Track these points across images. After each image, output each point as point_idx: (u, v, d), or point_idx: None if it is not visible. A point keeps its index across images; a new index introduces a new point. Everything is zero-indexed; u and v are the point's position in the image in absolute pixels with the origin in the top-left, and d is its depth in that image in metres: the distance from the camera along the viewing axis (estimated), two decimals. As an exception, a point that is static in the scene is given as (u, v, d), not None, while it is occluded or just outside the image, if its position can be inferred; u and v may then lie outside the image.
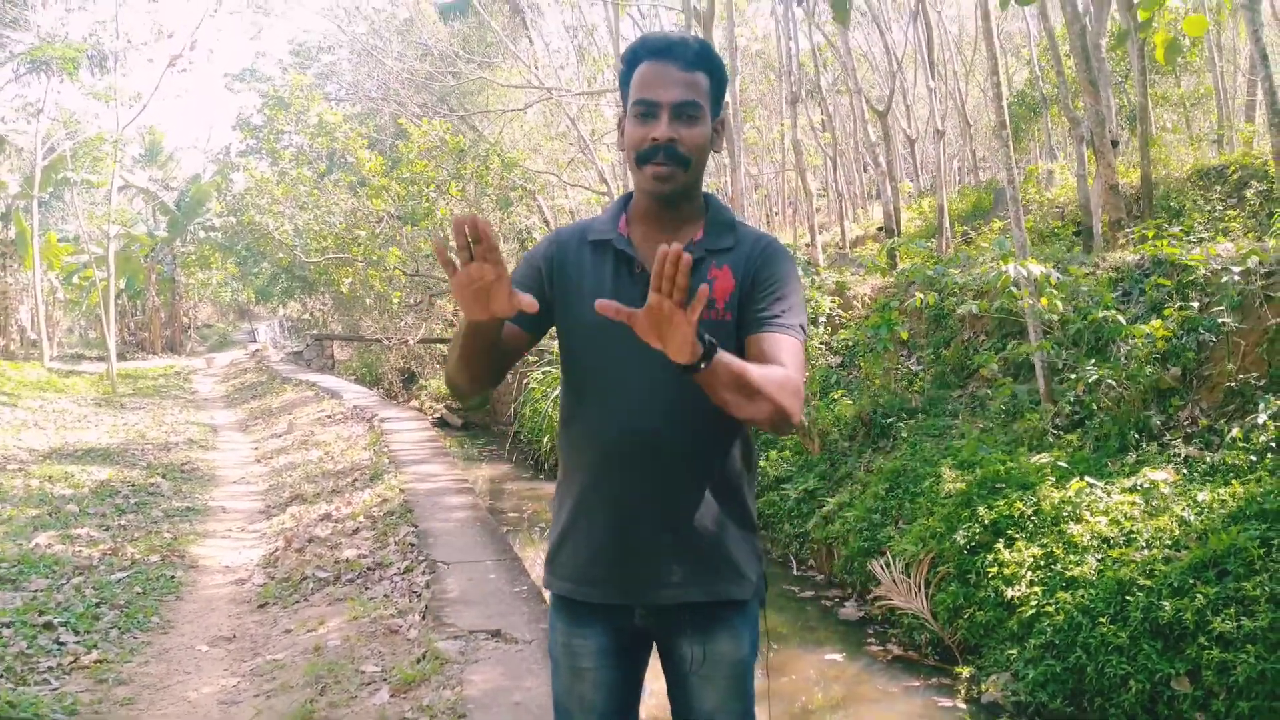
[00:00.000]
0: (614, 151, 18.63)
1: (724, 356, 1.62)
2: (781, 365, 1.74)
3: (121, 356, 29.95)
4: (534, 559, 7.29)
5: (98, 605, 5.44)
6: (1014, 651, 4.66)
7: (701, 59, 1.85)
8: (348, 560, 6.32)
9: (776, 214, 27.38)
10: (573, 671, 1.95)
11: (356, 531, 7.20)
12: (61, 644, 4.78)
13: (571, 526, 1.94)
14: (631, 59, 1.88)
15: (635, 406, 1.84)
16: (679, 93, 1.81)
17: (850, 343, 9.60)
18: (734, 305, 1.85)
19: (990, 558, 5.19)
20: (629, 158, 1.87)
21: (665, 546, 1.86)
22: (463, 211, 16.01)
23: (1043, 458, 5.99)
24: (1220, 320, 6.06)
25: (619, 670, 1.95)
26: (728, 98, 1.94)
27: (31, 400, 17.51)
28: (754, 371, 1.67)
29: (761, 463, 8.01)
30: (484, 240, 1.53)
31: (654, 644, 1.98)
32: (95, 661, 4.60)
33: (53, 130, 27.04)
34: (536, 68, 19.16)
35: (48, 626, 4.97)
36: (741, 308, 1.86)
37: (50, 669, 4.45)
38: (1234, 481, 4.91)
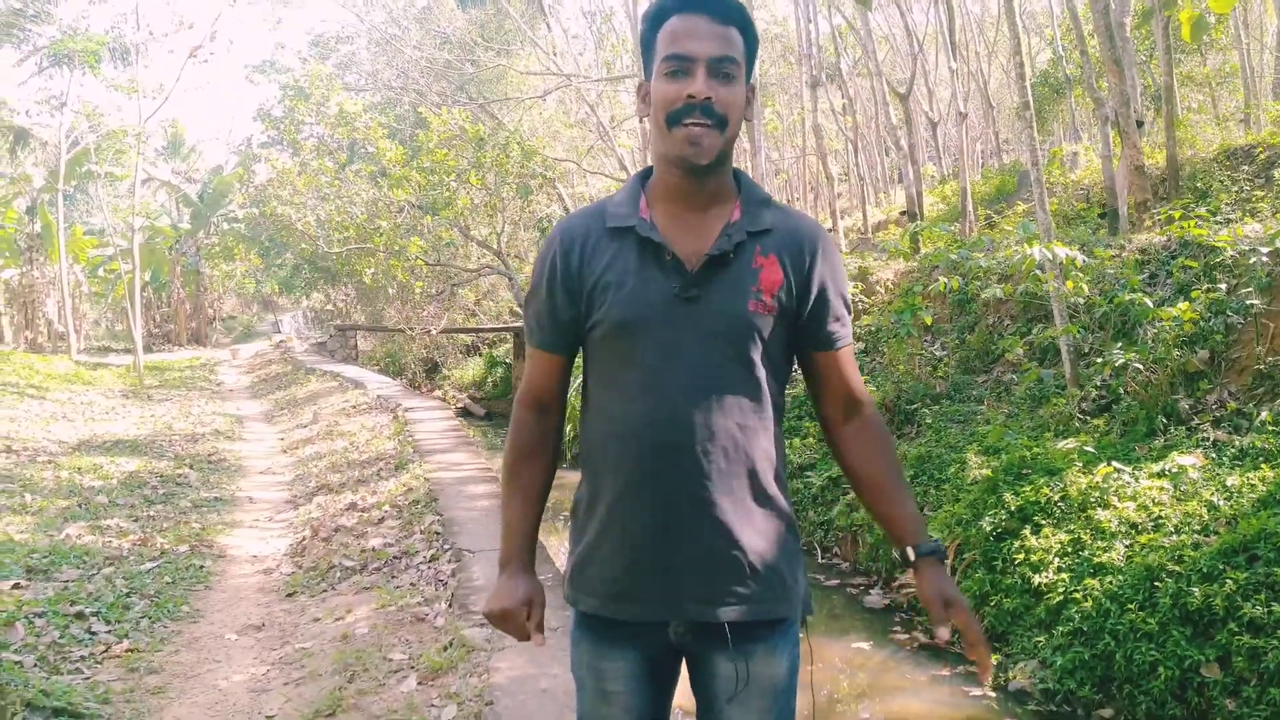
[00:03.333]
0: (633, 138, 18.61)
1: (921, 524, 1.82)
2: (862, 396, 1.83)
3: (148, 349, 30.21)
4: (557, 548, 7.30)
5: (128, 595, 5.50)
6: (1042, 639, 4.64)
7: (736, 13, 1.68)
8: (374, 549, 6.35)
9: (797, 199, 27.25)
10: (600, 695, 1.79)
11: (382, 520, 7.25)
12: (93, 633, 4.84)
13: (602, 537, 1.74)
14: (658, 14, 1.70)
15: (673, 407, 1.66)
16: (715, 46, 1.64)
17: (874, 328, 9.56)
18: (782, 298, 1.69)
19: (1017, 544, 5.16)
20: (658, 120, 1.67)
21: (709, 557, 1.68)
22: (487, 200, 16.04)
23: (1069, 443, 5.94)
24: (1249, 302, 5.99)
25: (649, 693, 1.79)
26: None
27: (60, 393, 17.70)
28: (905, 488, 1.85)
29: (785, 449, 8.00)
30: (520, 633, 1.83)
31: (683, 660, 1.81)
32: (126, 650, 4.65)
33: (76, 123, 27.23)
34: (555, 54, 19.15)
35: (79, 616, 5.02)
36: (797, 308, 1.72)
37: (82, 658, 4.50)
38: (1264, 465, 4.87)
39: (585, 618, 1.80)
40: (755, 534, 1.70)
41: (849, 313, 1.79)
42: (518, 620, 1.80)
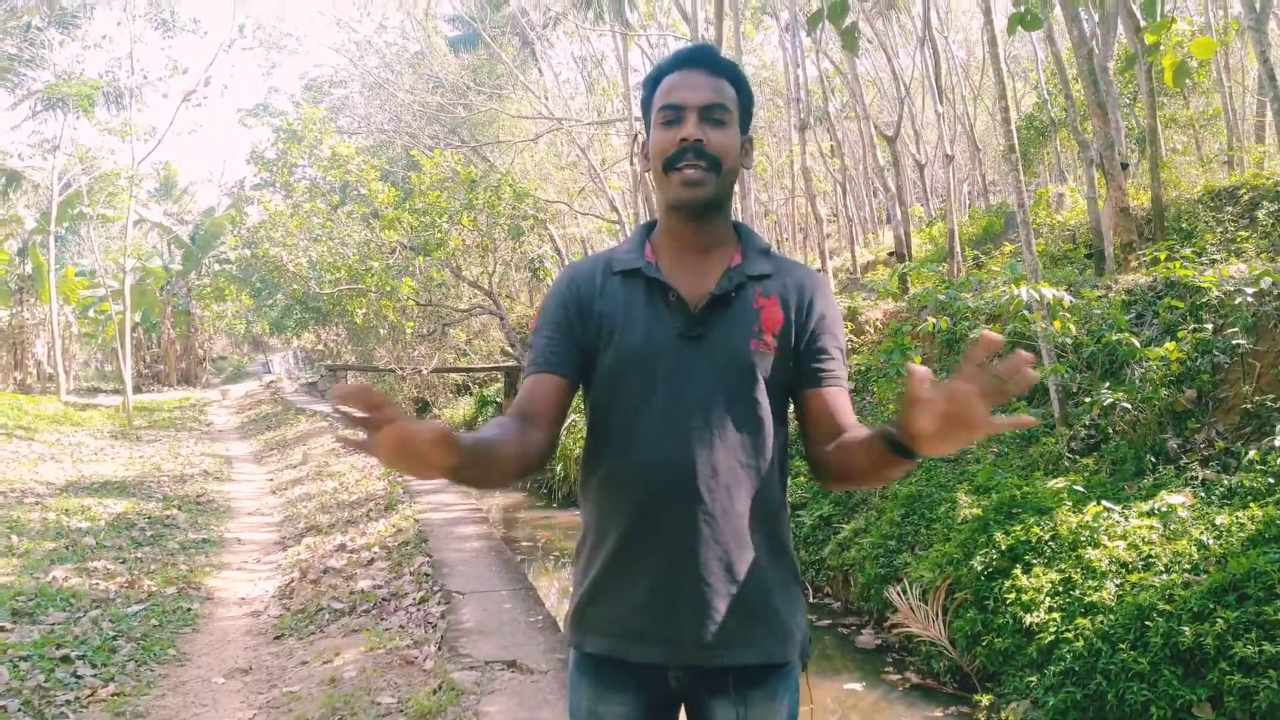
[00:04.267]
0: (624, 180, 18.75)
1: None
2: (850, 426, 1.70)
3: (137, 389, 30.10)
4: (548, 589, 7.27)
5: (115, 638, 5.45)
6: (1034, 678, 4.62)
7: (728, 68, 1.77)
8: (363, 591, 6.31)
9: (786, 239, 27.43)
10: None
11: (371, 562, 7.20)
12: (79, 677, 4.78)
13: (606, 579, 1.73)
14: (655, 76, 1.79)
15: (677, 445, 1.67)
16: (706, 95, 1.71)
17: (863, 368, 9.60)
18: (782, 339, 1.73)
19: (1008, 584, 5.16)
20: (656, 168, 1.73)
21: (715, 599, 1.67)
22: (479, 241, 16.09)
23: (1059, 482, 5.96)
24: (1235, 342, 6.04)
25: None
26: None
27: (48, 434, 17.61)
28: None
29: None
30: (372, 403, 1.33)
31: (682, 707, 1.80)
32: (112, 694, 4.60)
33: (69, 166, 27.37)
34: (546, 98, 19.34)
35: (65, 660, 4.97)
36: (796, 348, 1.75)
37: (68, 702, 4.45)
38: (1252, 504, 4.88)
39: (586, 660, 1.79)
40: (759, 574, 1.70)
41: (843, 356, 1.80)
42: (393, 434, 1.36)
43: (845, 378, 1.80)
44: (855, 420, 1.76)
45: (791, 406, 1.82)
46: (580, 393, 1.81)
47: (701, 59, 1.76)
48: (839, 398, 1.76)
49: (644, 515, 1.68)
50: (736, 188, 1.88)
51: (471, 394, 22.30)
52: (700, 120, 1.70)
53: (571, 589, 1.84)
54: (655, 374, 1.69)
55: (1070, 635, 4.59)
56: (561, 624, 1.82)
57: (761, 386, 1.72)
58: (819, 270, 16.12)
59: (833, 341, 1.77)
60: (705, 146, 1.69)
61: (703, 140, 1.69)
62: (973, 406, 1.36)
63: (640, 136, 1.85)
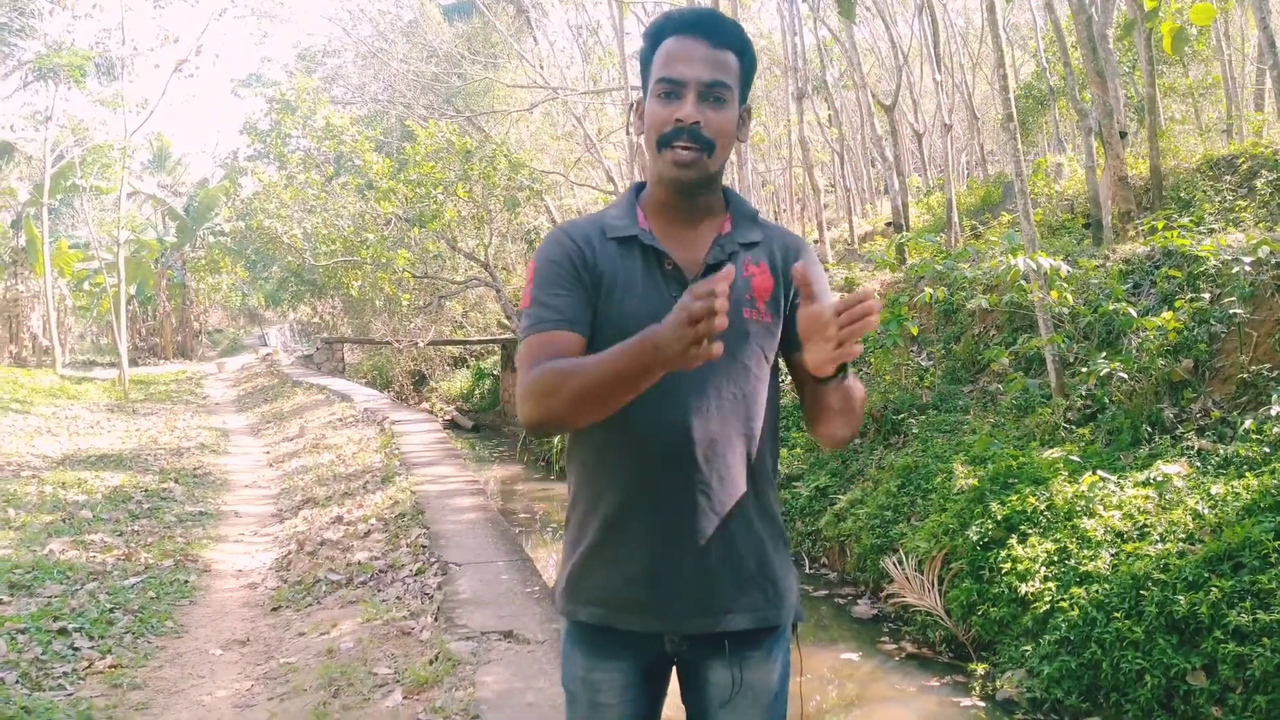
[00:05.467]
0: (620, 150, 18.65)
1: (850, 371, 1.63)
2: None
3: (133, 362, 30.06)
4: (545, 560, 7.29)
5: (112, 610, 5.46)
6: (1029, 648, 4.64)
7: (733, 37, 1.69)
8: (360, 563, 6.32)
9: (784, 210, 27.31)
10: (592, 707, 1.78)
11: (368, 534, 7.21)
12: (76, 649, 4.80)
13: (601, 546, 1.72)
14: (656, 34, 1.71)
15: (674, 414, 1.66)
16: (707, 71, 1.65)
17: (860, 340, 9.58)
18: (774, 306, 1.74)
19: (1003, 553, 5.17)
20: (649, 141, 1.70)
21: (711, 567, 1.68)
22: (474, 212, 16.03)
23: (1055, 452, 5.96)
24: (1232, 311, 6.03)
25: (642, 704, 1.78)
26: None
27: (44, 407, 17.59)
28: (859, 389, 1.67)
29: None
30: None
31: (674, 670, 1.82)
32: (110, 666, 4.61)
33: (61, 137, 27.14)
34: (541, 67, 19.17)
35: (62, 632, 4.98)
36: (789, 310, 1.75)
37: (65, 674, 4.46)
38: (1248, 474, 4.88)
39: (579, 629, 1.79)
40: (754, 541, 1.72)
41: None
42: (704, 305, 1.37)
43: None
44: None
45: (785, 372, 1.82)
46: None
47: (704, 26, 1.68)
48: None
49: (640, 486, 1.68)
50: (734, 157, 1.86)
51: (468, 366, 22.31)
52: (699, 100, 1.65)
53: (562, 558, 1.83)
54: None
55: (1065, 604, 4.61)
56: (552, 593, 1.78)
57: (756, 355, 1.72)
58: (816, 241, 16.08)
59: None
60: (702, 129, 1.65)
61: (700, 123, 1.64)
62: (826, 324, 1.47)
63: (637, 99, 1.78)
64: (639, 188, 1.82)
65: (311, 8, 56.14)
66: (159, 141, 41.01)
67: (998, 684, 4.64)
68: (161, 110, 74.75)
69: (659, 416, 1.66)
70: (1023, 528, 5.26)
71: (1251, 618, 3.91)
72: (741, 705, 1.74)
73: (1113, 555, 4.76)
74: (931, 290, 7.76)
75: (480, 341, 20.63)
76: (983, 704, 4.61)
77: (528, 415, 1.58)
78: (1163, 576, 4.35)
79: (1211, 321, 6.18)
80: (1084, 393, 6.66)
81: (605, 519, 1.71)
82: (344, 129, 18.51)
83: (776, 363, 1.81)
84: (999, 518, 5.41)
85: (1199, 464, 5.34)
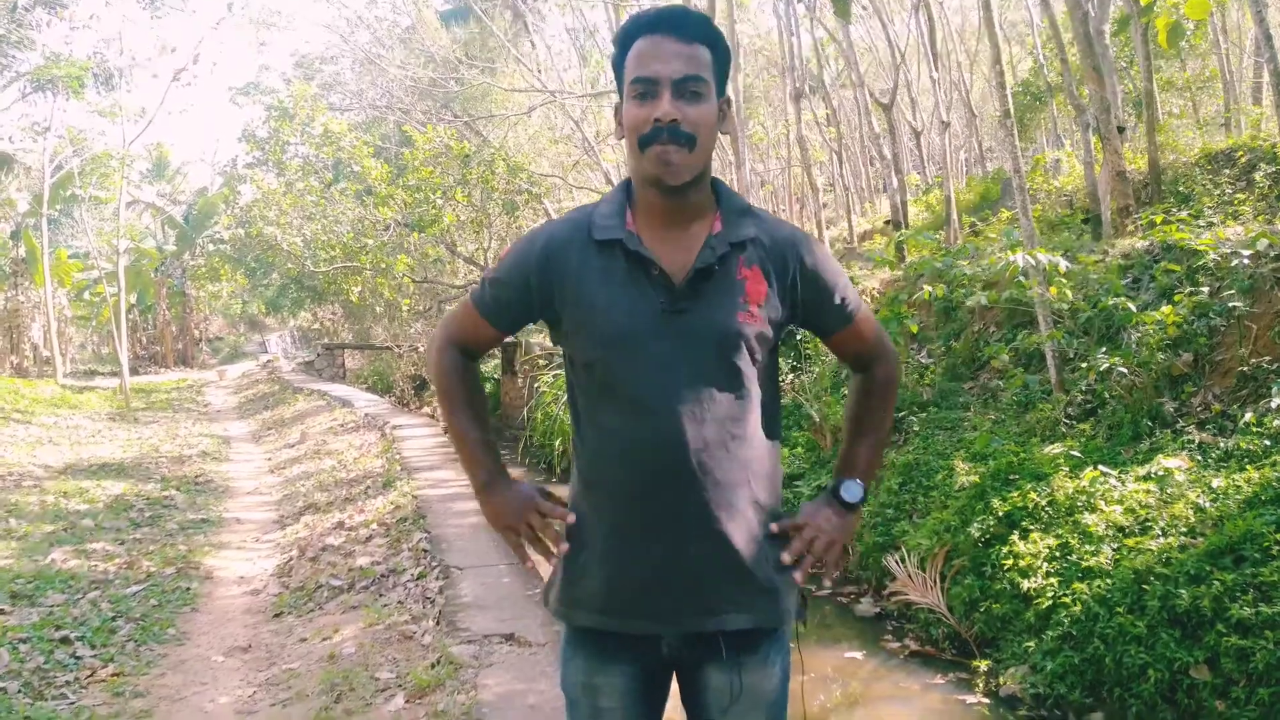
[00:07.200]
0: (619, 152, 18.65)
1: (870, 471, 1.89)
2: (874, 352, 1.91)
3: (134, 371, 30.06)
4: (547, 563, 7.27)
5: (114, 619, 5.46)
6: (1031, 644, 4.63)
7: (701, 30, 1.68)
8: (361, 568, 6.32)
9: (783, 209, 27.30)
10: (593, 711, 1.79)
11: (369, 539, 7.21)
12: (78, 658, 4.80)
13: (599, 551, 1.73)
14: (625, 38, 1.70)
15: (667, 421, 1.65)
16: (679, 66, 1.64)
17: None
18: (768, 309, 1.72)
19: (1005, 550, 5.16)
20: (630, 144, 1.68)
21: (708, 568, 1.68)
22: (473, 217, 16.05)
23: (1056, 448, 5.95)
24: (1231, 305, 6.02)
25: (642, 709, 1.79)
26: (730, 92, 1.81)
27: (45, 417, 17.59)
28: (885, 422, 1.93)
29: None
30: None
31: (674, 674, 1.83)
32: (112, 675, 4.61)
33: (60, 148, 27.15)
34: (539, 71, 19.18)
35: (64, 641, 4.98)
36: (791, 313, 1.77)
37: (67, 683, 4.46)
38: (1249, 467, 4.88)
39: (578, 633, 1.80)
40: (751, 543, 1.71)
41: (853, 292, 1.86)
42: (530, 531, 1.84)
43: (858, 302, 1.88)
44: (874, 338, 1.92)
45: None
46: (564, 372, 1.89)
47: (671, 22, 1.67)
48: (860, 325, 1.88)
49: (636, 494, 1.69)
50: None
51: (469, 370, 22.24)
52: (675, 96, 1.63)
53: (557, 562, 1.84)
54: (641, 353, 1.66)
55: (1068, 600, 4.59)
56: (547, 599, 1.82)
57: (749, 358, 1.71)
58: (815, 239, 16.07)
59: (833, 283, 1.82)
60: (681, 125, 1.63)
61: (678, 119, 1.63)
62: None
63: (616, 104, 1.77)
64: (629, 184, 1.80)
65: (309, 16, 56.20)
66: (158, 150, 41.01)
67: (1001, 680, 4.63)
68: (160, 119, 74.66)
69: (652, 425, 1.66)
70: (1024, 524, 5.25)
71: (1254, 611, 3.90)
72: (739, 710, 1.74)
73: (1114, 550, 4.75)
74: (931, 288, 7.74)
75: (481, 345, 20.60)
76: (986, 700, 4.60)
77: (427, 369, 1.91)
78: (1165, 571, 4.34)
79: (1211, 315, 6.17)
80: (1084, 388, 6.65)
81: (603, 526, 1.73)
82: (342, 135, 18.50)
83: (776, 362, 1.81)
84: (1000, 514, 5.40)
85: (1200, 458, 5.33)
